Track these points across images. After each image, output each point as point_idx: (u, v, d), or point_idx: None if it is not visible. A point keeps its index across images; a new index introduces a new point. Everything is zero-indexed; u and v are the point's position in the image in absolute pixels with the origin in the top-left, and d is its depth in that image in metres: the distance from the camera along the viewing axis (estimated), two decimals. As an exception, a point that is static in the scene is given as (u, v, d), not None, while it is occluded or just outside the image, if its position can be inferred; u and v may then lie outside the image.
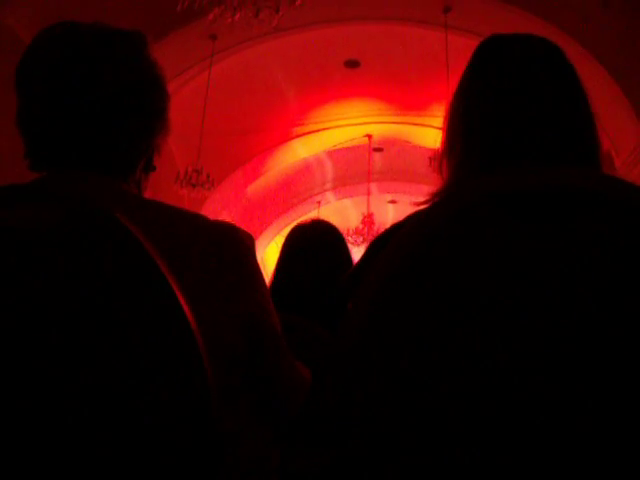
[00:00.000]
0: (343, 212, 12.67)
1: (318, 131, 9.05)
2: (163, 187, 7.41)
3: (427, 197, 1.06)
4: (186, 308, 0.69)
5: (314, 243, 2.00)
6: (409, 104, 8.46)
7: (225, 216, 9.52)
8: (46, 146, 0.98)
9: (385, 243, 0.69)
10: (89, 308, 0.69)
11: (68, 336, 0.68)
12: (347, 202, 12.46)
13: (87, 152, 0.97)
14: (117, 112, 0.98)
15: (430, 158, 5.78)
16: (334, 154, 10.23)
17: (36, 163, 0.99)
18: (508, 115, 1.00)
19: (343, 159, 10.45)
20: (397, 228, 0.95)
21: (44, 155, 0.98)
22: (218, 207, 9.22)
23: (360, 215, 11.14)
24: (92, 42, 0.98)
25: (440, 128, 1.11)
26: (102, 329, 0.69)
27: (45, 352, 0.68)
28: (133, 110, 1.00)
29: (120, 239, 0.70)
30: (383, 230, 1.11)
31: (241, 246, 0.96)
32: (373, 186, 11.03)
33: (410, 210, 0.91)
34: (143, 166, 1.05)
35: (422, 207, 0.83)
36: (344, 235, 2.18)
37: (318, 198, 11.83)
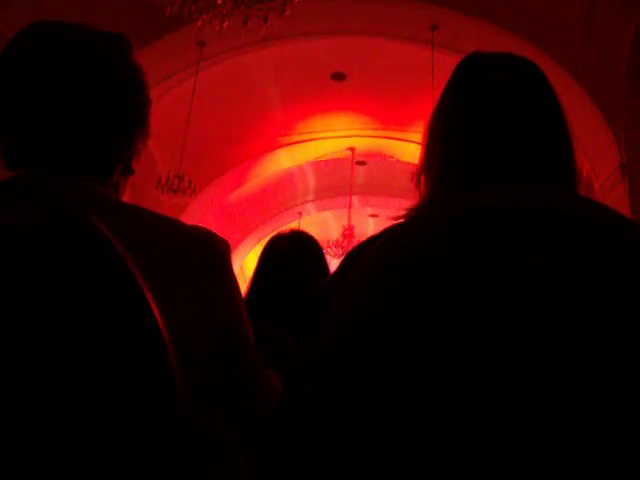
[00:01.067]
0: (324, 224, 12.69)
1: (302, 142, 9.07)
2: (144, 192, 7.39)
3: (404, 212, 1.07)
4: (156, 311, 0.69)
5: (292, 254, 2.01)
6: (393, 119, 8.51)
7: (206, 223, 9.49)
8: (23, 146, 0.96)
9: (360, 255, 0.70)
10: (57, 309, 0.69)
11: (33, 336, 0.68)
12: (328, 214, 12.48)
13: (65, 153, 0.96)
14: (98, 114, 0.97)
15: (413, 173, 5.81)
16: (317, 166, 10.26)
17: (12, 163, 0.97)
18: (486, 134, 1.01)
19: (326, 171, 10.48)
20: (373, 241, 0.96)
21: (21, 155, 0.97)
22: (199, 214, 9.18)
23: (340, 227, 11.16)
24: (75, 42, 0.98)
25: (420, 147, 1.12)
26: (68, 329, 0.68)
27: (10, 352, 0.68)
28: (114, 113, 0.99)
29: (91, 239, 0.70)
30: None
31: (216, 252, 0.95)
32: (355, 199, 11.06)
33: (389, 224, 0.92)
34: (121, 170, 1.05)
35: (399, 221, 0.83)
36: (324, 247, 2.18)
37: (299, 209, 11.84)
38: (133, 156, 1.07)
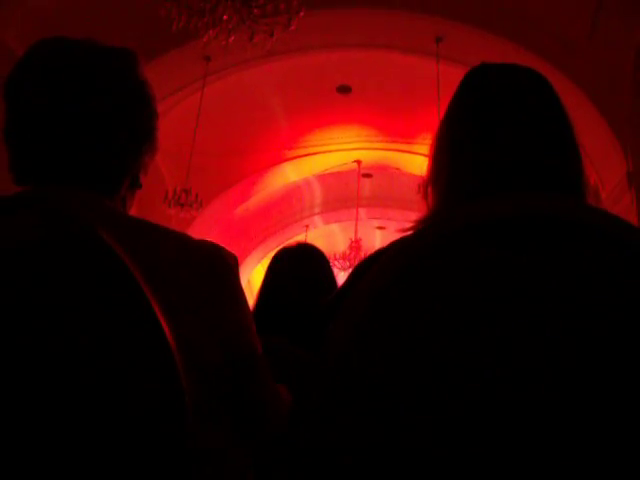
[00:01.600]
0: (331, 237, 12.69)
1: (308, 155, 9.09)
2: (151, 206, 7.41)
3: (412, 224, 1.06)
4: (165, 326, 0.69)
5: (299, 266, 2.00)
6: (399, 131, 8.53)
7: (213, 237, 9.50)
8: (31, 160, 0.97)
9: (368, 269, 0.69)
10: (66, 325, 0.69)
11: (44, 350, 0.68)
12: (335, 227, 12.49)
13: (73, 167, 0.96)
14: (105, 129, 0.98)
15: (419, 185, 5.80)
16: (323, 178, 10.27)
17: (21, 177, 0.98)
18: (492, 144, 1.01)
19: (332, 184, 10.50)
20: (381, 254, 0.95)
21: (29, 169, 0.97)
22: (206, 228, 9.20)
23: (347, 240, 11.16)
24: (83, 58, 0.98)
25: (428, 158, 1.11)
26: (76, 341, 0.68)
27: (16, 367, 0.68)
28: (121, 127, 1.00)
29: (100, 255, 0.70)
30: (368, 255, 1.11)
31: (224, 266, 0.96)
32: (361, 212, 11.07)
33: (397, 237, 0.92)
34: (129, 184, 1.05)
35: (406, 233, 0.83)
36: (331, 260, 2.18)
37: (306, 222, 11.85)
38: (141, 170, 1.07)
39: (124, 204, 1.06)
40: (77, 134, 0.96)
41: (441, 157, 1.07)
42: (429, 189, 1.08)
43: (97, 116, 0.97)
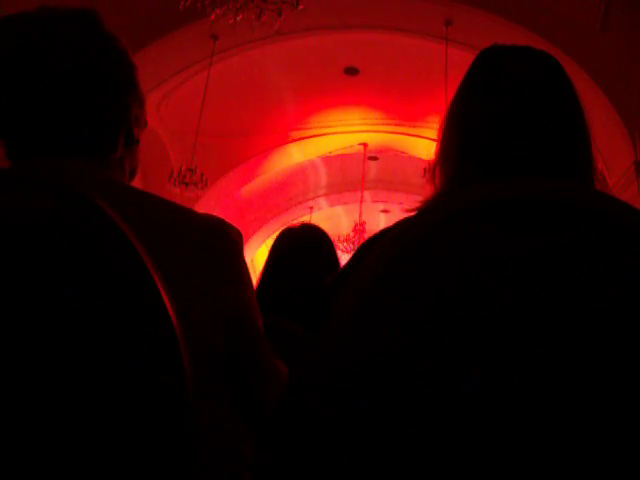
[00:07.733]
0: (335, 219, 12.69)
1: (314, 136, 9.06)
2: (156, 184, 7.42)
3: (418, 204, 1.05)
4: (167, 301, 0.69)
5: (302, 247, 2.00)
6: (406, 114, 8.49)
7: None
8: (17, 136, 0.96)
9: (372, 248, 0.69)
10: (67, 299, 0.69)
11: (44, 325, 0.68)
12: (339, 209, 12.48)
13: (60, 137, 0.95)
14: (80, 92, 0.96)
15: (425, 169, 5.79)
16: (329, 160, 10.25)
17: (12, 153, 0.97)
18: (503, 127, 1.00)
19: (338, 166, 10.47)
20: (384, 234, 0.95)
21: (18, 145, 0.96)
22: (210, 207, 9.20)
23: (352, 223, 11.16)
24: (42, 28, 0.96)
25: (436, 140, 1.10)
26: (78, 319, 0.68)
27: (19, 341, 0.68)
28: (97, 87, 0.98)
29: (102, 228, 0.69)
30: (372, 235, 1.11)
31: (228, 241, 0.95)
32: (366, 194, 11.05)
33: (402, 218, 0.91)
34: (124, 142, 1.04)
35: (412, 214, 0.83)
36: (334, 242, 2.17)
37: (311, 204, 11.84)
38: (133, 124, 1.05)
39: (122, 164, 1.05)
40: (54, 104, 0.94)
41: (449, 138, 1.06)
42: (437, 170, 1.07)
43: (69, 82, 0.94)
